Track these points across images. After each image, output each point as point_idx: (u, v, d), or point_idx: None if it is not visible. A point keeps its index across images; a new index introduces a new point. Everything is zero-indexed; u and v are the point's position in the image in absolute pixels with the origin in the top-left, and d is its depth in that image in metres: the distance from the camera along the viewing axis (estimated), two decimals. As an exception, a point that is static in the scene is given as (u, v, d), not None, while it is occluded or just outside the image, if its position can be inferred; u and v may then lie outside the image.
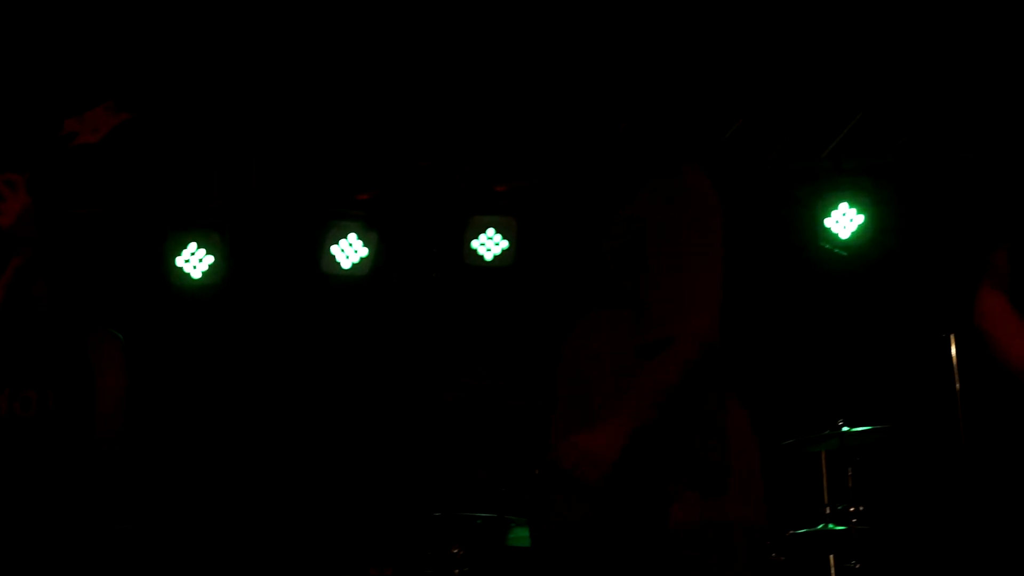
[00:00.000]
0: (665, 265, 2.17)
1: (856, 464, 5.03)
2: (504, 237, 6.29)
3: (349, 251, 6.34)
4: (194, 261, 6.33)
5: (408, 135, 6.20)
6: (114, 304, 5.80)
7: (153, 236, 6.37)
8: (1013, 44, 5.41)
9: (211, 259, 6.33)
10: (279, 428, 6.27)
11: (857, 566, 4.91)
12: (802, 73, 5.91)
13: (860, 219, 6.07)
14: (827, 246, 5.87)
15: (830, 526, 5.00)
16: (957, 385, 4.97)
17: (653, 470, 2.13)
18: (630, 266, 2.21)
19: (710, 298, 2.16)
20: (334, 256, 6.35)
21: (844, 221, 6.07)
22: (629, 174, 2.33)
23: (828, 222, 6.07)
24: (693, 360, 2.12)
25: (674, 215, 2.20)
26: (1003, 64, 5.59)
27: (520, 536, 5.04)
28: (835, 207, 6.06)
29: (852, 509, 4.94)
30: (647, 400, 2.12)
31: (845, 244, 6.04)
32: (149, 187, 6.28)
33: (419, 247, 6.36)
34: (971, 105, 5.87)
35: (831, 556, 5.10)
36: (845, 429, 4.95)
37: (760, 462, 2.26)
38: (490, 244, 6.28)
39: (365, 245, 6.34)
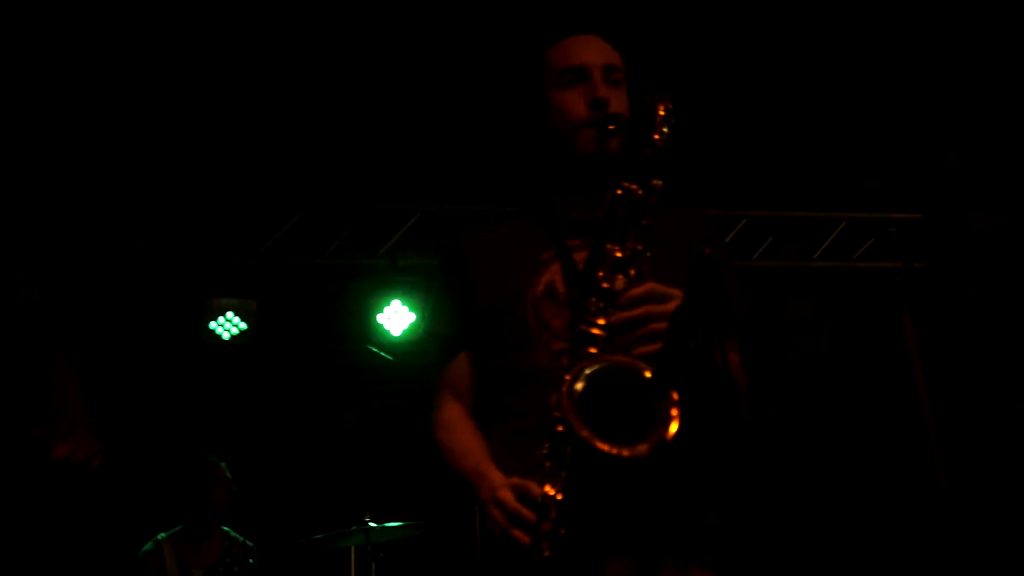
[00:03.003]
0: None
1: (380, 559, 5.17)
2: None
3: None
4: None
5: None
6: None
7: None
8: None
9: None
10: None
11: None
12: (361, 172, 6.05)
13: (412, 317, 6.26)
14: (374, 349, 5.98)
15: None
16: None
17: None
18: None
19: None
20: None
21: (396, 318, 6.26)
22: None
23: (380, 318, 6.23)
24: None
25: None
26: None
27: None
28: (388, 303, 6.24)
29: (375, 604, 5.07)
30: None
31: (396, 341, 6.20)
32: None
33: None
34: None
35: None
36: (372, 525, 5.08)
37: None
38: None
39: None
